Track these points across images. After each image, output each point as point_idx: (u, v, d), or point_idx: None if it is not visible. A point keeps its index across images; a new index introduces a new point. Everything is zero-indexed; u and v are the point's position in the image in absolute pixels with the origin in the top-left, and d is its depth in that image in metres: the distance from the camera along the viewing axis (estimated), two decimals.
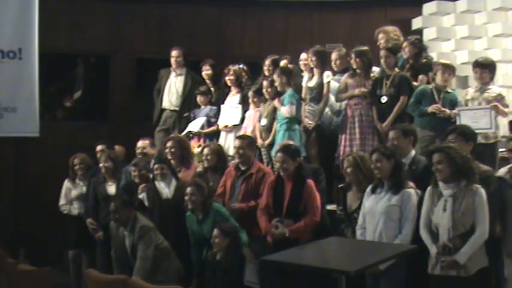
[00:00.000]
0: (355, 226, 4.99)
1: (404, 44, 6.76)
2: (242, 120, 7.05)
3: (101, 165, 6.74)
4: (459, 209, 4.38)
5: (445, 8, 8.47)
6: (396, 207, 4.71)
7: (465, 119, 5.71)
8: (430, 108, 5.94)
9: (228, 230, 5.41)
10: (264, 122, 6.75)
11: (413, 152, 5.30)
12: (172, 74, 7.93)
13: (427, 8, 8.55)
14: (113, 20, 8.83)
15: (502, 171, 5.03)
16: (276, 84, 6.62)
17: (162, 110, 7.87)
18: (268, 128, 6.71)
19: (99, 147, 7.24)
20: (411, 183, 4.82)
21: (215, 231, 5.42)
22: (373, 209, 4.80)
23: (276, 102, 6.59)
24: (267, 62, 7.24)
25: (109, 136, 7.76)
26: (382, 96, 6.27)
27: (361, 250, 4.03)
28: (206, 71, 7.67)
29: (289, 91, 6.53)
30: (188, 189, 5.71)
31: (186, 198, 5.70)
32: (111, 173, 6.68)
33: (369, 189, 4.91)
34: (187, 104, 7.81)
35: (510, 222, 4.83)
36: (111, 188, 6.64)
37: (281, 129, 6.46)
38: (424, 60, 6.66)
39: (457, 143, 4.88)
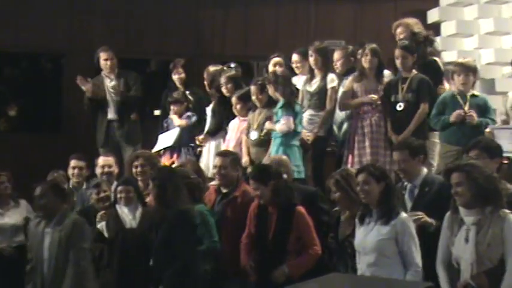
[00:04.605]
0: (347, 257, 4.99)
1: None
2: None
3: None
4: (484, 239, 4.33)
5: None
6: (389, 241, 4.67)
7: (501, 140, 5.59)
8: (453, 117, 5.90)
9: None
10: (254, 135, 6.65)
11: (424, 171, 5.29)
12: (107, 81, 7.91)
13: None
14: (69, 12, 8.80)
15: None
16: (269, 92, 6.56)
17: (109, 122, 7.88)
18: (259, 143, 6.61)
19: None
20: (403, 213, 4.76)
21: None
22: (364, 244, 4.77)
23: (268, 124, 6.50)
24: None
25: (63, 151, 7.68)
26: (397, 103, 6.26)
27: None
28: (179, 75, 7.64)
29: (280, 101, 6.45)
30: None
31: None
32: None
33: (357, 219, 4.89)
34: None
35: None
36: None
37: (275, 144, 6.40)
38: (432, 58, 6.64)
39: (481, 160, 4.86)
